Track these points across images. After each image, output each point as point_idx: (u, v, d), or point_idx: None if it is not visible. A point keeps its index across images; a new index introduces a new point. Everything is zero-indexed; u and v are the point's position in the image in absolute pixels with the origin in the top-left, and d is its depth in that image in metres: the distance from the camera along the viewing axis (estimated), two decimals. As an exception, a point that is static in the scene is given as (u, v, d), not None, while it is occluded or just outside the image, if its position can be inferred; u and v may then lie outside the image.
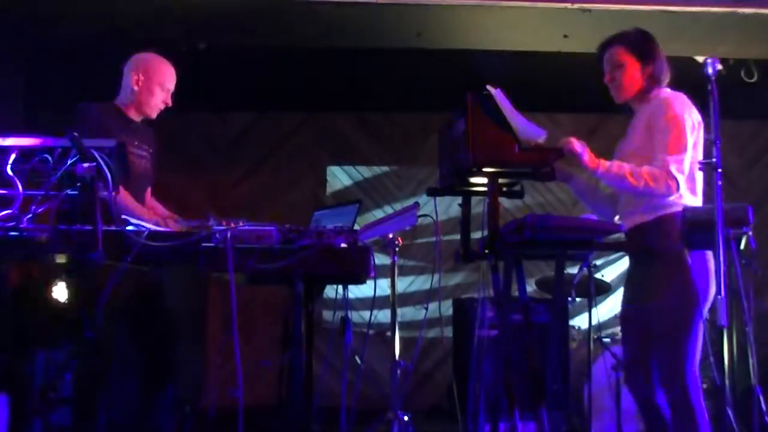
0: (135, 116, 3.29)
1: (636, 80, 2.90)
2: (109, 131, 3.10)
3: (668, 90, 2.92)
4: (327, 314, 5.98)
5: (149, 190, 3.40)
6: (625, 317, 2.95)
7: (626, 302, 2.94)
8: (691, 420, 2.67)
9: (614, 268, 6.15)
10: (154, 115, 3.29)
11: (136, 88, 3.23)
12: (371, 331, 5.81)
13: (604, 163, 2.79)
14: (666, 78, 2.93)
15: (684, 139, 2.74)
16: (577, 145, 2.80)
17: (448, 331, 5.70)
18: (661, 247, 2.75)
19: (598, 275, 4.75)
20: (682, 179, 2.73)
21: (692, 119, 2.78)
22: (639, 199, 2.82)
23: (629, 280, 2.98)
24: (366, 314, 5.04)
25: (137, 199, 3.17)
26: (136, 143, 3.24)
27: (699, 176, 2.84)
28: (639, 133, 2.86)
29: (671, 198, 2.76)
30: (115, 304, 2.92)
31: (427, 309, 4.29)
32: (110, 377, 2.99)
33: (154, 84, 3.23)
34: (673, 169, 2.72)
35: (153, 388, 3.11)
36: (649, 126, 2.82)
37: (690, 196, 2.81)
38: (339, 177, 6.71)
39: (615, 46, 2.93)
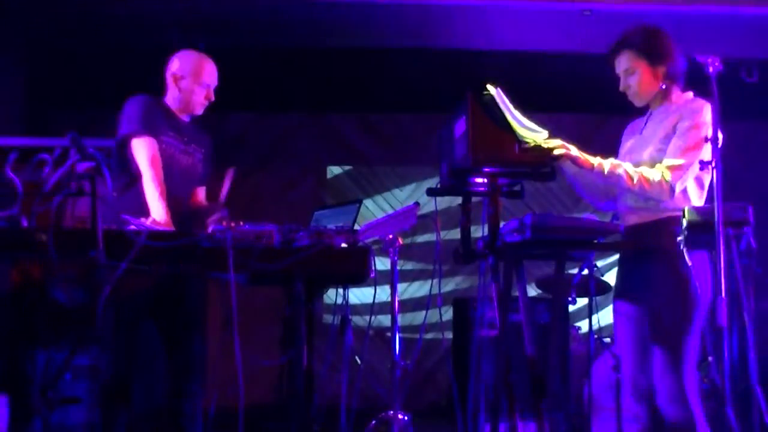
0: (181, 114, 3.30)
1: (651, 83, 2.84)
2: (155, 125, 3.13)
3: (692, 95, 2.86)
4: (327, 314, 5.98)
5: (201, 191, 3.41)
6: (618, 312, 2.94)
7: (619, 297, 2.93)
8: (689, 422, 2.67)
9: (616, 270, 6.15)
10: (198, 111, 3.30)
11: (175, 86, 3.25)
12: (371, 331, 5.81)
13: (601, 162, 2.78)
14: (683, 73, 2.85)
15: (697, 151, 2.70)
16: (570, 151, 2.78)
17: (448, 331, 5.71)
18: (661, 247, 2.74)
19: (598, 276, 4.75)
20: (679, 187, 2.70)
21: (710, 133, 2.73)
22: (642, 199, 2.80)
23: (622, 275, 2.96)
24: (366, 314, 5.04)
25: (181, 197, 3.20)
26: (184, 140, 3.26)
27: (707, 181, 2.82)
28: (660, 138, 2.81)
29: (676, 202, 2.75)
30: (139, 299, 2.96)
31: (427, 309, 4.29)
32: (136, 371, 3.01)
33: (193, 82, 3.24)
34: (672, 178, 2.69)
35: (180, 381, 3.13)
36: (674, 130, 2.78)
37: (698, 202, 2.80)
38: (339, 177, 6.71)
39: (623, 52, 2.86)
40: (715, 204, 2.50)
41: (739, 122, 6.36)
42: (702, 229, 2.55)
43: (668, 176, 2.70)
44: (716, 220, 2.47)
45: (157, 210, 2.94)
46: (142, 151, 3.03)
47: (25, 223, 2.45)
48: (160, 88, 3.32)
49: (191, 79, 3.24)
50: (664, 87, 2.84)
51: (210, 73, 3.29)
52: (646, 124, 2.94)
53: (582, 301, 4.50)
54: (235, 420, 2.42)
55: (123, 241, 2.40)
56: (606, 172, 2.75)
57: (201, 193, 3.44)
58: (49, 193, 2.42)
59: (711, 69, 2.57)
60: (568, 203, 6.52)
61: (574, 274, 4.39)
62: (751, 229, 2.72)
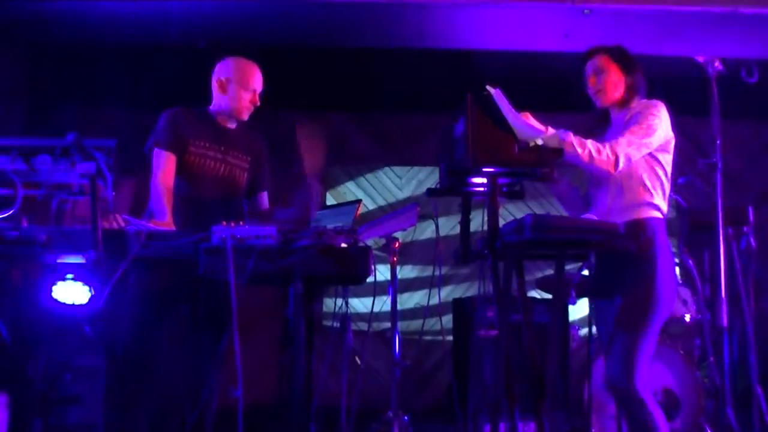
0: (226, 121, 3.31)
1: (618, 87, 2.98)
2: (179, 137, 3.16)
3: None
4: (327, 314, 5.98)
5: (262, 196, 3.47)
6: (597, 307, 3.05)
7: (596, 294, 3.03)
8: (644, 410, 2.69)
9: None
10: (244, 117, 3.30)
11: (221, 92, 3.27)
12: (371, 331, 5.81)
13: (552, 129, 2.84)
14: (643, 90, 3.01)
15: (650, 131, 2.82)
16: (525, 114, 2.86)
17: (448, 331, 5.70)
18: (635, 250, 2.78)
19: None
20: (622, 160, 2.78)
21: (667, 124, 2.86)
22: (617, 201, 2.84)
23: (597, 272, 3.04)
24: (366, 313, 5.04)
25: (213, 201, 3.21)
26: (221, 148, 3.26)
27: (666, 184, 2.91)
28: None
29: (648, 200, 2.82)
30: (169, 291, 2.98)
31: (426, 309, 4.29)
32: (156, 366, 3.03)
33: (239, 86, 3.25)
34: (619, 149, 2.78)
35: (203, 373, 3.13)
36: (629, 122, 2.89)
37: (663, 202, 2.86)
38: (339, 177, 6.71)
39: (599, 55, 3.02)
40: (716, 204, 2.50)
41: (739, 122, 6.37)
42: (703, 229, 2.56)
43: (614, 148, 2.79)
44: (717, 220, 2.48)
45: (158, 213, 3.02)
46: (155, 163, 3.16)
47: (25, 223, 2.45)
48: (159, 88, 3.32)
49: (237, 83, 3.25)
50: (625, 95, 2.97)
51: (256, 77, 3.29)
52: (609, 128, 3.05)
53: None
54: (235, 420, 2.42)
55: (123, 240, 2.40)
56: (556, 136, 2.79)
57: (263, 199, 3.48)
58: (49, 193, 2.42)
59: (711, 69, 2.59)
60: (568, 203, 6.53)
61: (574, 274, 4.40)
62: (751, 229, 2.73)
